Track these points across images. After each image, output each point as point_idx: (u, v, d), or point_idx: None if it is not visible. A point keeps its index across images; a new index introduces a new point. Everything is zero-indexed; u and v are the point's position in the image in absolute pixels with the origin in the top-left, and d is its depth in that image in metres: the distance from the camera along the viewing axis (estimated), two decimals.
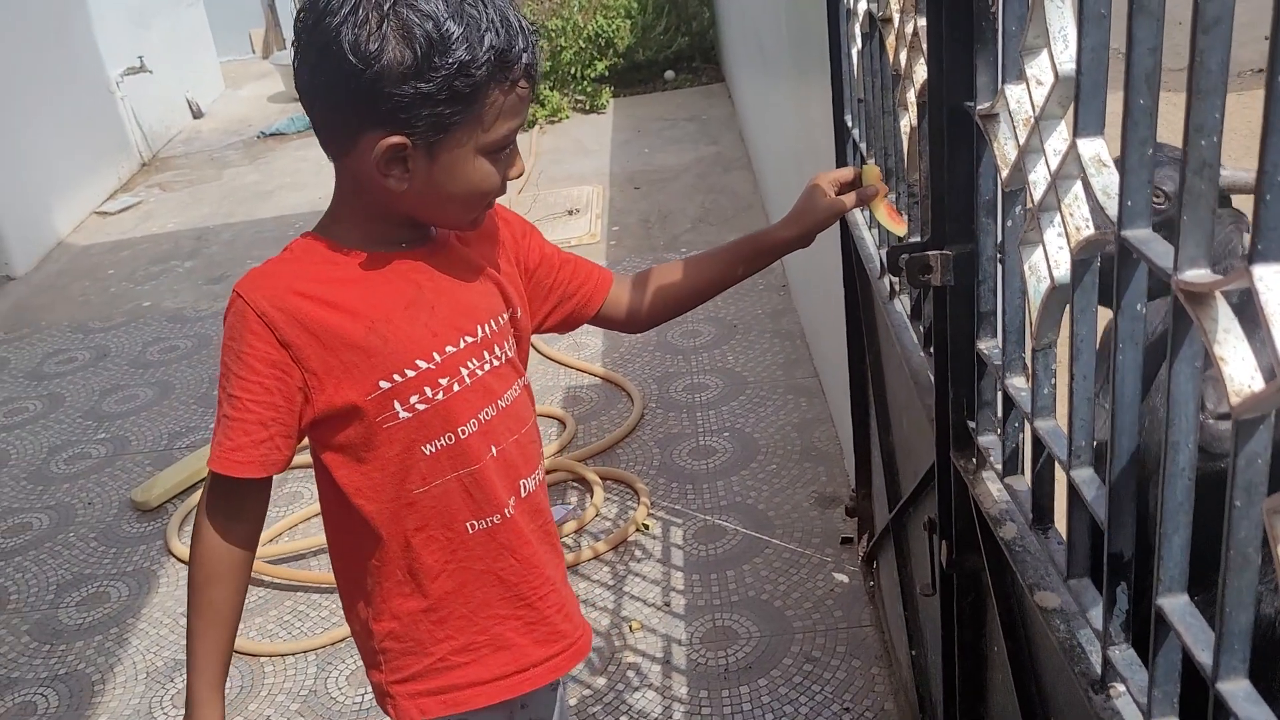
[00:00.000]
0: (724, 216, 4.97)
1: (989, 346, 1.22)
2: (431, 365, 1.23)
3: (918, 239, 1.52)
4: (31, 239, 5.66)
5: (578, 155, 6.23)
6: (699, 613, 2.57)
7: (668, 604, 2.61)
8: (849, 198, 1.51)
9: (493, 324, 1.29)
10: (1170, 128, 0.79)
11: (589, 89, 7.14)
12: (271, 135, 7.44)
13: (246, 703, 2.49)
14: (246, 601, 1.30)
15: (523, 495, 1.34)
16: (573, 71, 7.17)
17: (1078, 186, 0.91)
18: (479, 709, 1.36)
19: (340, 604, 1.41)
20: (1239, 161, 1.43)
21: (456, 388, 1.25)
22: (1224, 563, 0.69)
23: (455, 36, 1.10)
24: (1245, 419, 0.65)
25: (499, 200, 1.30)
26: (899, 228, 1.58)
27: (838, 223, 2.31)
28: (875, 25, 1.76)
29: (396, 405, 1.22)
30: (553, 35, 7.13)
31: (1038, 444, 1.08)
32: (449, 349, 1.24)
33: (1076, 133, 0.87)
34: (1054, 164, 0.94)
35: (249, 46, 10.05)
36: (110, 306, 4.95)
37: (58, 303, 5.09)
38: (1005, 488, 1.22)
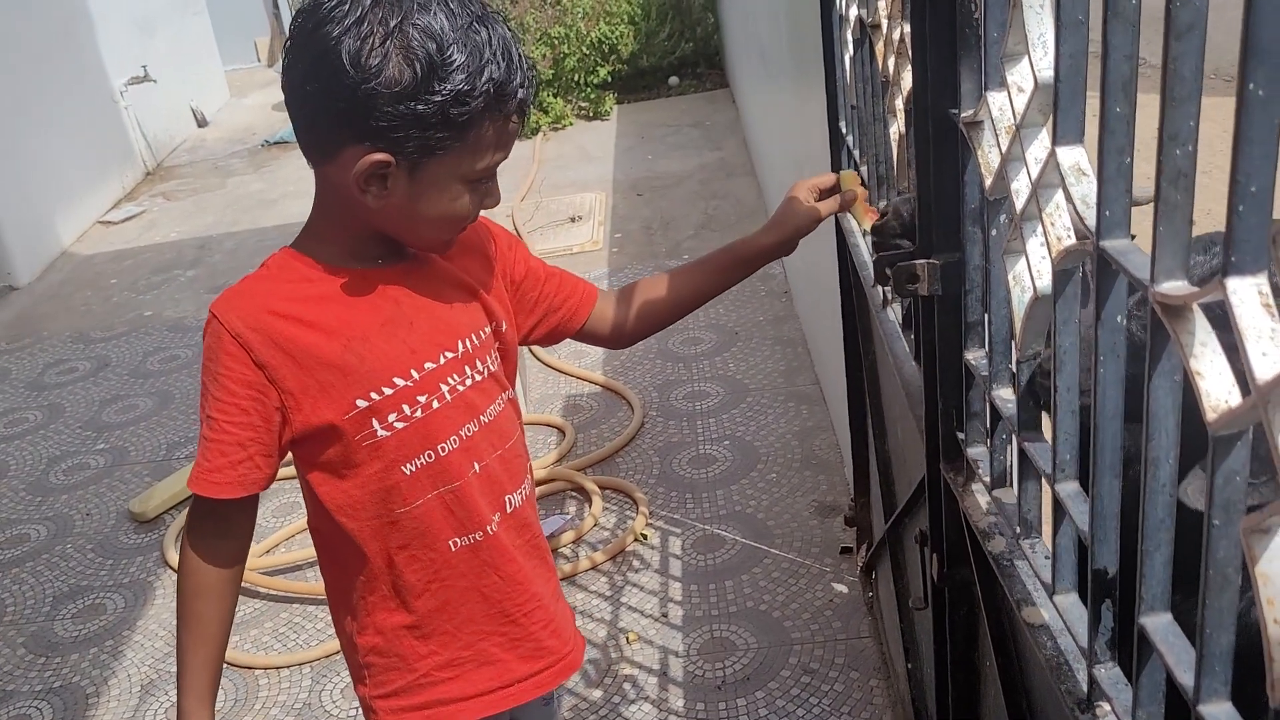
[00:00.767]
0: (727, 223, 4.95)
1: (976, 357, 1.20)
2: (410, 382, 1.22)
3: (908, 244, 1.50)
4: (35, 249, 5.68)
5: (581, 162, 6.22)
6: (697, 624, 2.55)
7: (665, 615, 2.59)
8: (827, 204, 1.50)
9: (474, 338, 1.28)
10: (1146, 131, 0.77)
11: (592, 95, 7.14)
12: (276, 143, 7.46)
13: (240, 715, 2.47)
14: (241, 614, 1.29)
15: (508, 511, 1.33)
16: (576, 78, 7.17)
17: (1059, 195, 0.89)
18: None
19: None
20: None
21: (436, 404, 1.24)
22: (1203, 583, 0.67)
23: (457, 64, 1.08)
24: (1221, 435, 0.63)
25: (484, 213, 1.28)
26: None
27: (834, 230, 2.31)
28: (865, 31, 1.74)
29: (375, 424, 1.21)
30: (556, 42, 7.13)
31: (1024, 456, 1.06)
32: (428, 365, 1.23)
33: (1056, 141, 0.85)
34: (1035, 172, 0.92)
35: (254, 55, 10.09)
36: (112, 316, 4.96)
37: (60, 312, 5.10)
38: (994, 500, 1.20)
